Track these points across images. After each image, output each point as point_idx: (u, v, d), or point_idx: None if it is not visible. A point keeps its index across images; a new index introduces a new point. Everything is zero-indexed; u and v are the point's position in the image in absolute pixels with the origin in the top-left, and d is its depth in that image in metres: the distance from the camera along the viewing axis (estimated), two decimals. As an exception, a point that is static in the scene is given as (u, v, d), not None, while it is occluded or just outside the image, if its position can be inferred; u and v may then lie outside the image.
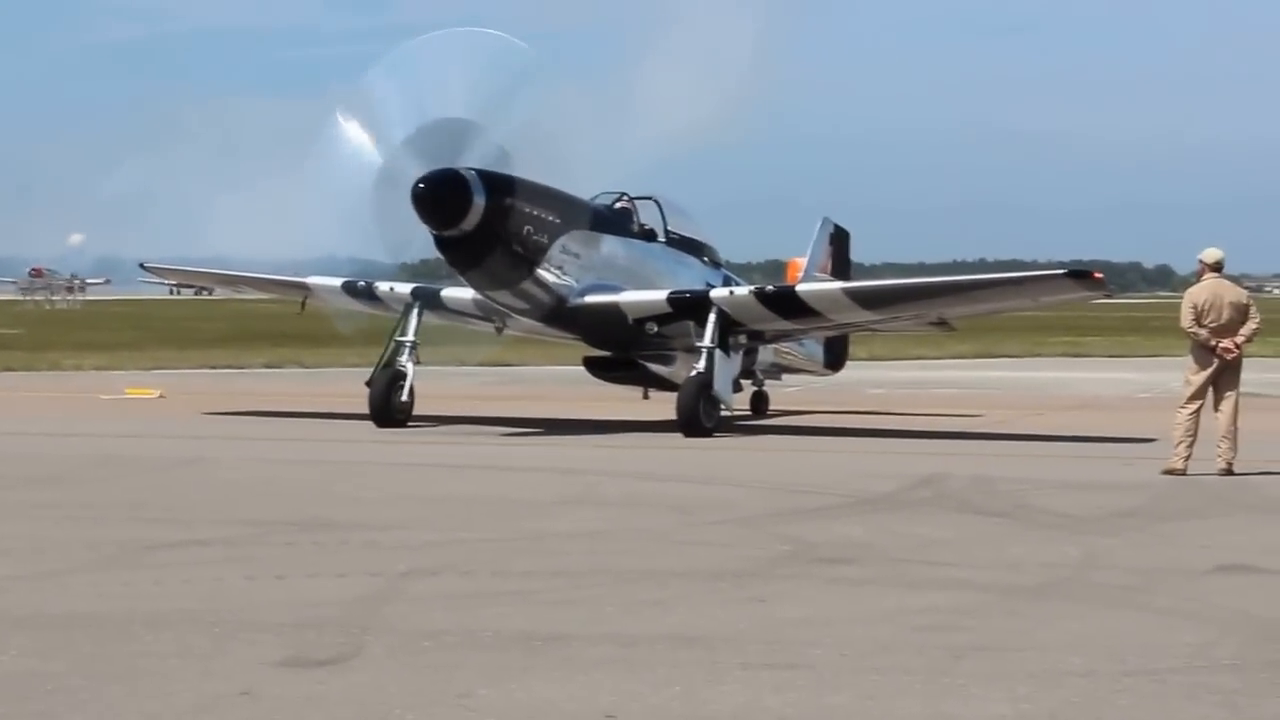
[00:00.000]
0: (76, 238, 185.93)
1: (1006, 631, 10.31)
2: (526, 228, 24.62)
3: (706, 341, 25.35)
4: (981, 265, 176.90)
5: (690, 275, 27.44)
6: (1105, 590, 11.89)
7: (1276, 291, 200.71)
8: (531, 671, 9.10)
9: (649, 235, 27.20)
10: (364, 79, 25.25)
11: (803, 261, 32.14)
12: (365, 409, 25.98)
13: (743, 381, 28.56)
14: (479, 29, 25.08)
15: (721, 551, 13.51)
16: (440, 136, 24.02)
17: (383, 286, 27.97)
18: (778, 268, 43.18)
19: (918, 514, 16.04)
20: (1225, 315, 18.87)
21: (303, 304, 30.44)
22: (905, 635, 10.09)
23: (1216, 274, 19.19)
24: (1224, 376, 19.02)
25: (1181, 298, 19.61)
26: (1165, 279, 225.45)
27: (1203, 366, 18.94)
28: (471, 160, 23.96)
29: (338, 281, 28.76)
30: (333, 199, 25.76)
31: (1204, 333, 18.85)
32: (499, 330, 27.46)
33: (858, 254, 34.65)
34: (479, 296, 26.10)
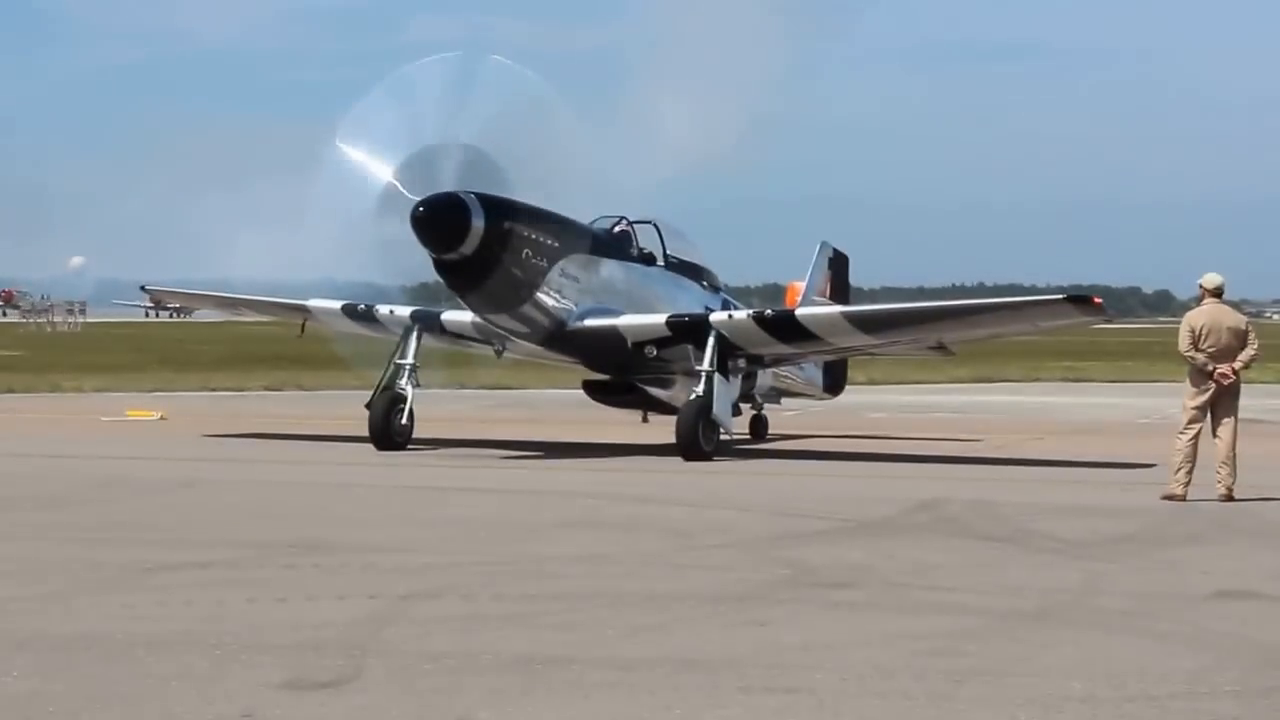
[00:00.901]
0: (77, 260, 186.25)
1: (1007, 656, 10.32)
2: (526, 251, 24.65)
3: (705, 365, 25.39)
4: (981, 290, 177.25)
5: (689, 299, 27.49)
6: (1105, 615, 11.90)
7: (1276, 317, 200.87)
8: (531, 695, 9.11)
9: (648, 259, 27.24)
10: (364, 102, 25.28)
11: (802, 285, 32.20)
12: (365, 432, 26.02)
13: (742, 405, 28.57)
14: (480, 53, 25.17)
15: (721, 575, 13.52)
16: (440, 160, 24.07)
17: (382, 309, 28.03)
18: (777, 292, 43.28)
19: (917, 538, 16.06)
20: (1224, 340, 18.89)
21: (302, 327, 30.51)
22: (905, 660, 10.10)
23: (1216, 299, 19.20)
24: (1222, 402, 19.03)
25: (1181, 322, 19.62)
26: (1165, 304, 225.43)
27: (1200, 391, 18.95)
28: (471, 184, 24.01)
29: (337, 304, 28.82)
30: (333, 222, 25.78)
31: (1201, 357, 18.87)
32: (498, 353, 27.48)
33: (857, 278, 34.75)
34: (478, 319, 26.13)
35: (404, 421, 25.98)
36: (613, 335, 26.04)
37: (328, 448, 26.61)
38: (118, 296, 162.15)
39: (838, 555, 14.69)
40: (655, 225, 27.67)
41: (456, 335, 27.34)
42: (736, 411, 27.45)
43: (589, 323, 25.86)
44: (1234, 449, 18.99)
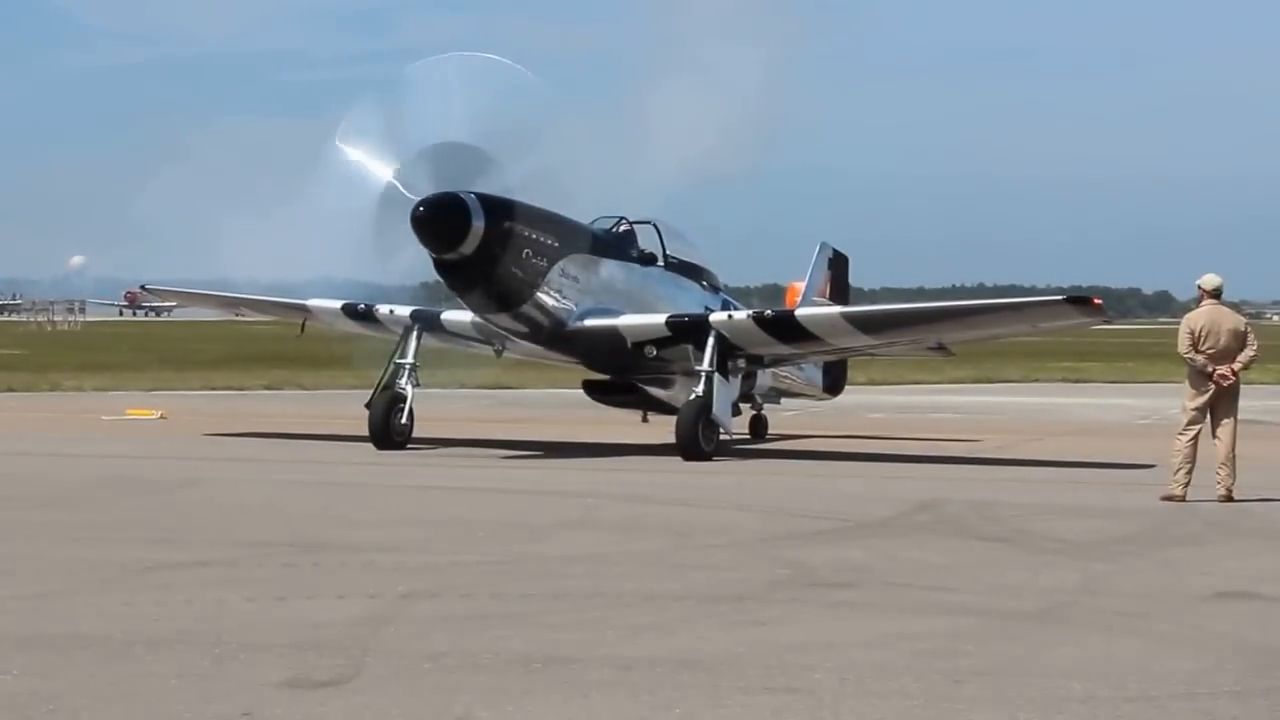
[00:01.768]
0: (77, 259, 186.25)
1: (1006, 657, 10.32)
2: (526, 251, 24.66)
3: (705, 365, 25.40)
4: (981, 290, 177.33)
5: (689, 299, 27.49)
6: (1105, 616, 11.90)
7: (1276, 318, 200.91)
8: (530, 694, 9.11)
9: (648, 259, 27.24)
10: (365, 101, 25.31)
11: (801, 286, 32.21)
12: (365, 431, 26.02)
13: (741, 405, 28.58)
14: (479, 54, 25.15)
15: (721, 575, 13.53)
16: (440, 160, 24.07)
17: (382, 309, 28.05)
18: (776, 292, 43.29)
19: (917, 538, 16.06)
20: (1223, 341, 18.89)
21: (302, 326, 30.53)
22: (905, 660, 10.10)
23: (1215, 300, 19.20)
24: (1222, 403, 19.03)
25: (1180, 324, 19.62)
26: (1165, 305, 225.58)
27: (1200, 392, 18.95)
28: (471, 184, 24.01)
29: (337, 304, 28.83)
30: (333, 221, 25.81)
31: (1201, 358, 18.87)
32: (498, 353, 27.50)
33: (857, 279, 34.76)
34: (478, 319, 26.14)
35: (404, 421, 25.99)
36: (613, 335, 26.05)
37: (328, 447, 26.62)
38: (115, 297, 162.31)
39: (837, 555, 14.69)
40: (655, 225, 27.68)
41: (456, 335, 27.34)
42: (736, 411, 27.45)
43: (589, 323, 25.87)
44: (1234, 450, 19.00)
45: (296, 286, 30.40)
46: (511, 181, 24.33)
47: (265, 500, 18.93)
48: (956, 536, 16.20)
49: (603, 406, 28.45)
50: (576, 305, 25.74)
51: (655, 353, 26.19)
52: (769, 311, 26.95)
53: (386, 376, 26.60)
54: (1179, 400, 19.46)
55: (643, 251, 27.24)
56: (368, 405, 26.31)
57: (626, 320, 26.12)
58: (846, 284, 33.41)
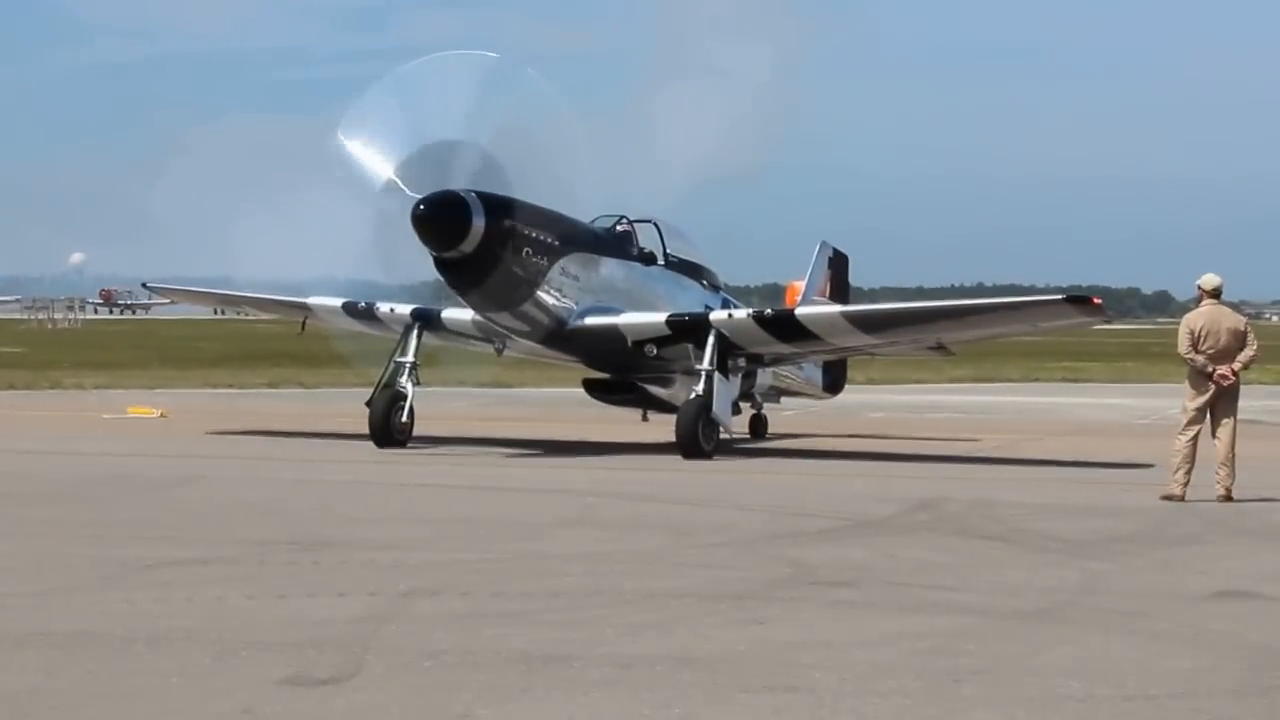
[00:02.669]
0: (77, 257, 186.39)
1: (1005, 655, 10.33)
2: (526, 250, 24.68)
3: (705, 364, 25.41)
4: (980, 290, 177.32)
5: (689, 298, 27.51)
6: (1104, 615, 11.91)
7: (1275, 318, 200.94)
8: (530, 692, 9.12)
9: (648, 258, 27.26)
10: (365, 99, 25.27)
11: (801, 285, 32.23)
12: (365, 429, 26.04)
13: (742, 404, 28.61)
14: (479, 52, 25.15)
15: (721, 573, 13.53)
16: (440, 158, 24.08)
17: (383, 307, 28.05)
18: (776, 291, 43.30)
19: (916, 537, 16.07)
20: (1223, 341, 18.90)
21: (303, 324, 30.54)
22: (904, 658, 10.11)
23: (1215, 300, 19.21)
24: (1221, 402, 19.04)
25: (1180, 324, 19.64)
26: (1164, 305, 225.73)
27: (1200, 392, 18.97)
28: (471, 182, 24.01)
29: (338, 302, 28.84)
30: (333, 219, 25.82)
31: (1201, 358, 18.88)
32: (499, 351, 27.52)
33: (856, 278, 34.76)
34: (479, 318, 26.15)
35: (404, 419, 26.00)
36: (613, 334, 26.06)
37: (328, 445, 26.63)
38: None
39: (838, 554, 14.70)
40: (655, 224, 27.70)
41: (457, 333, 27.36)
42: (736, 411, 27.48)
43: (589, 321, 25.88)
44: (1233, 450, 19.01)
45: (297, 284, 30.42)
46: (512, 180, 24.34)
47: (266, 498, 18.93)
48: (956, 536, 16.21)
49: (603, 405, 28.46)
50: (577, 304, 25.75)
51: (655, 351, 26.21)
52: (769, 310, 26.99)
53: (387, 375, 26.61)
54: (1179, 400, 19.48)
55: (643, 250, 27.25)
56: (368, 403, 26.32)
57: (627, 319, 26.14)
58: (846, 283, 33.43)
